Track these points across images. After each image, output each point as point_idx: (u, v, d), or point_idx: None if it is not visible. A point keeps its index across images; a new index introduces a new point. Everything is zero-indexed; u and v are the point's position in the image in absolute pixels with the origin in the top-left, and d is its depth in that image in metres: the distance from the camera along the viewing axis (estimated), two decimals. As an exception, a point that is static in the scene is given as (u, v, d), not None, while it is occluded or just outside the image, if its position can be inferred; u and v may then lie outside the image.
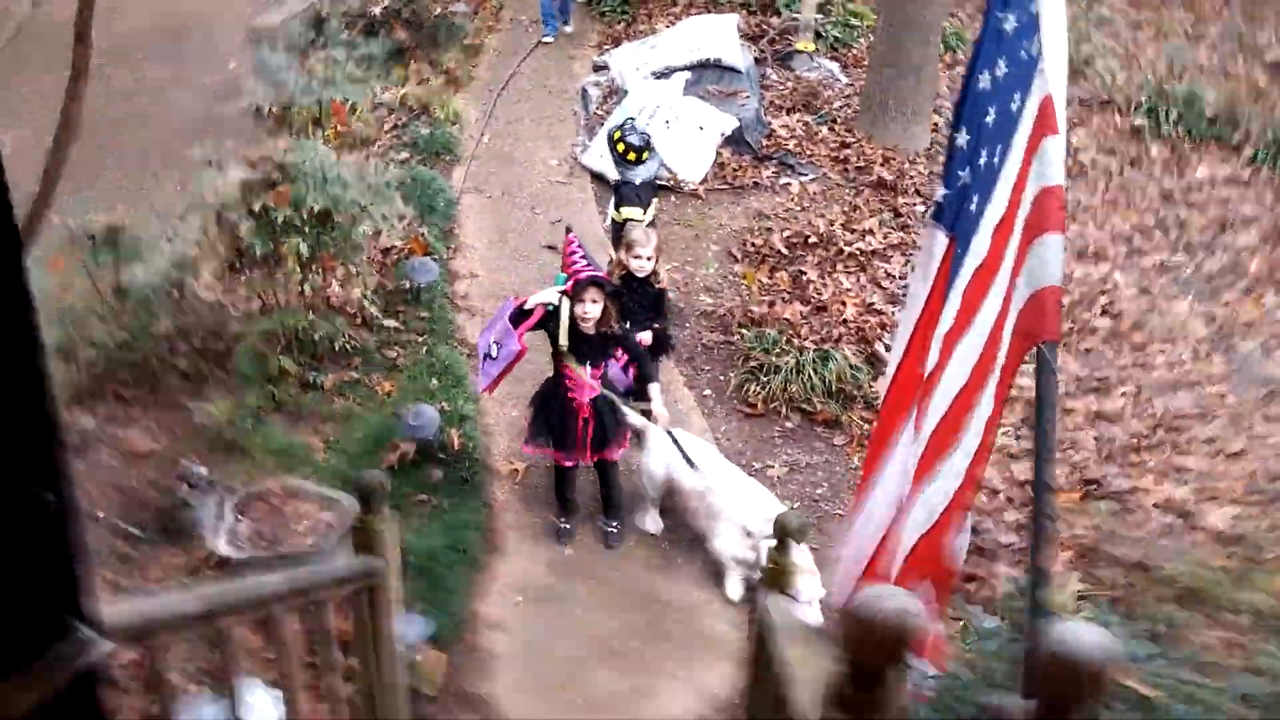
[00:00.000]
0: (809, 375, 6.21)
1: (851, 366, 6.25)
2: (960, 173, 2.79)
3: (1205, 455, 5.81)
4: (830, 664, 2.73)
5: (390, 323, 6.61)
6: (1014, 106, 2.46)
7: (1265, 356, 6.79)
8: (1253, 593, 4.54)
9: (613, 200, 6.89)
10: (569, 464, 5.15)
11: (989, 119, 2.63)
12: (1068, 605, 4.11)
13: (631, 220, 6.18)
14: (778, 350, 6.43)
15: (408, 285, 6.85)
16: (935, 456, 2.53)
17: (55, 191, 4.59)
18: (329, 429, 5.84)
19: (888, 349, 6.57)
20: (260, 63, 8.01)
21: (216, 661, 4.03)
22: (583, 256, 4.93)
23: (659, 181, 8.51)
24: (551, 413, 5.07)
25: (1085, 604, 4.31)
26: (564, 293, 4.87)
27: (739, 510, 4.87)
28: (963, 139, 2.79)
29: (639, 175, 6.63)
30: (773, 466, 5.82)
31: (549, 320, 4.92)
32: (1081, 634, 1.42)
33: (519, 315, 4.95)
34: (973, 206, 2.63)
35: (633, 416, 5.22)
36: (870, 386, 6.22)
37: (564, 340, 4.87)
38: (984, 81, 2.74)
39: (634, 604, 4.91)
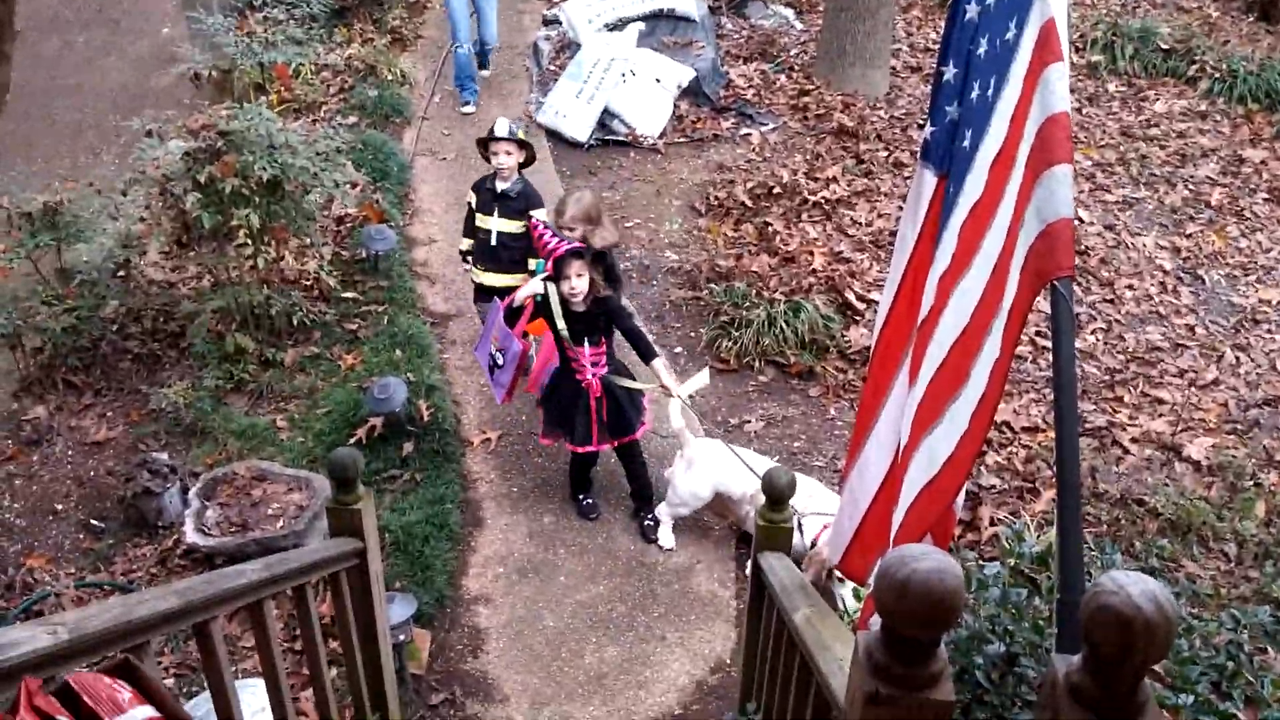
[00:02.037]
0: (781, 327, 6.11)
1: (823, 316, 6.16)
2: (948, 108, 2.68)
3: (1179, 387, 5.81)
4: (841, 622, 2.65)
5: (349, 294, 6.42)
6: (1009, 35, 2.34)
7: (1231, 286, 6.80)
8: (1236, 521, 4.56)
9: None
10: (586, 450, 4.90)
11: (980, 50, 2.51)
12: (1054, 542, 4.08)
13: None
14: (748, 304, 6.32)
15: (365, 254, 6.64)
16: (936, 405, 2.43)
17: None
18: (292, 407, 5.67)
19: (858, 297, 6.49)
20: (196, 26, 7.66)
21: (194, 655, 3.90)
22: (553, 235, 4.78)
23: (616, 138, 8.35)
24: (562, 399, 4.88)
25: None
26: (547, 278, 4.71)
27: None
28: (950, 73, 2.67)
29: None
30: (749, 421, 5.73)
31: (541, 311, 4.76)
32: (1132, 584, 1.31)
33: (511, 315, 4.80)
34: (965, 143, 2.52)
35: (684, 432, 4.91)
36: (843, 336, 6.15)
37: (561, 325, 4.70)
38: (971, 12, 2.62)
39: (619, 569, 4.82)
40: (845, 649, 2.03)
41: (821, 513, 4.42)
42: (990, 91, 2.39)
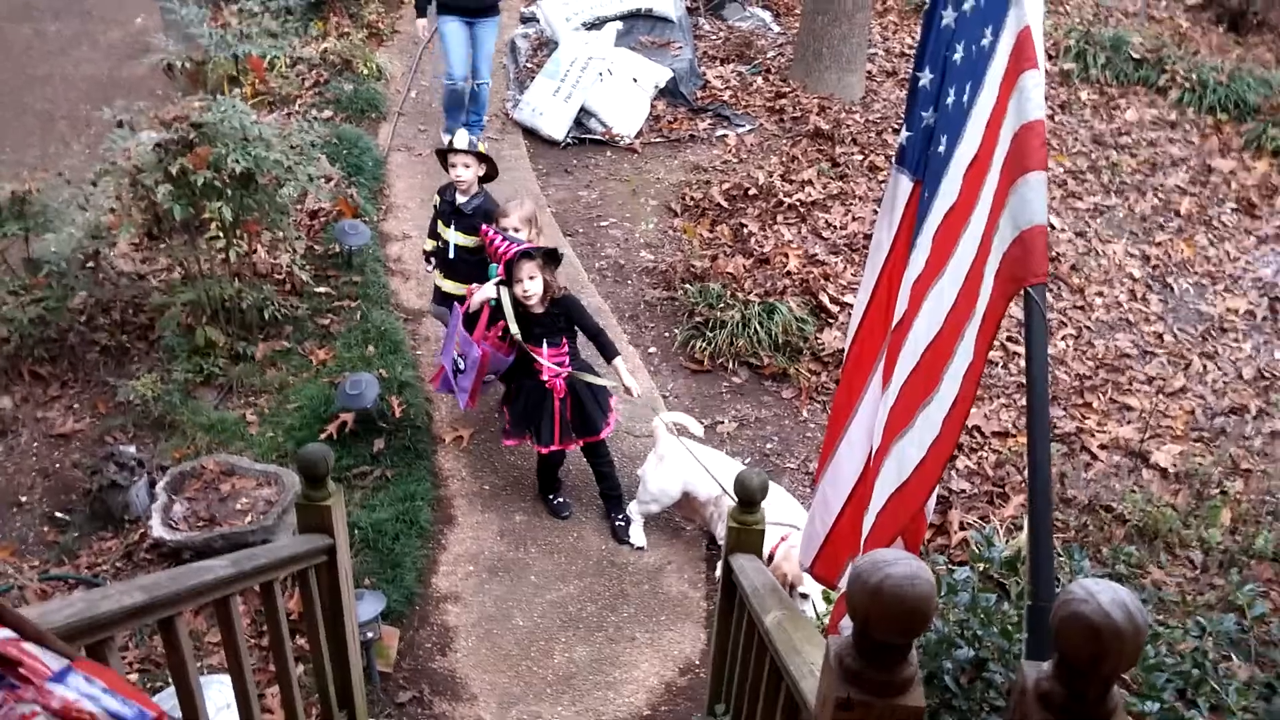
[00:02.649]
0: (755, 329, 6.13)
1: (797, 319, 6.18)
2: (923, 114, 2.69)
3: (1147, 394, 5.88)
4: (812, 624, 2.66)
5: (322, 289, 6.37)
6: (985, 42, 2.36)
7: (1199, 295, 6.89)
8: (1202, 529, 4.62)
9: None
10: (550, 450, 4.89)
11: (956, 56, 2.53)
12: (1021, 548, 4.11)
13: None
14: (722, 305, 6.33)
15: (338, 249, 6.60)
16: (908, 409, 2.44)
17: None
18: (263, 401, 5.62)
19: (832, 300, 6.52)
20: (169, 17, 7.58)
21: (160, 650, 3.86)
22: (504, 239, 4.77)
23: (592, 136, 8.34)
24: (527, 400, 4.87)
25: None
26: (500, 282, 4.70)
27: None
28: (926, 79, 2.69)
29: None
30: (722, 422, 5.74)
31: (499, 315, 4.75)
32: (1102, 591, 1.32)
33: (469, 321, 4.79)
34: (940, 148, 2.53)
35: (658, 428, 4.94)
36: (817, 338, 6.17)
37: (514, 328, 4.69)
38: (948, 18, 2.64)
39: (590, 569, 4.81)
40: (816, 652, 2.04)
41: (780, 523, 4.31)
42: (966, 97, 2.41)
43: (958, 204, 2.37)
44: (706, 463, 4.63)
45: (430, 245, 5.66)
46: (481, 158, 5.43)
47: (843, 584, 2.90)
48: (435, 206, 5.61)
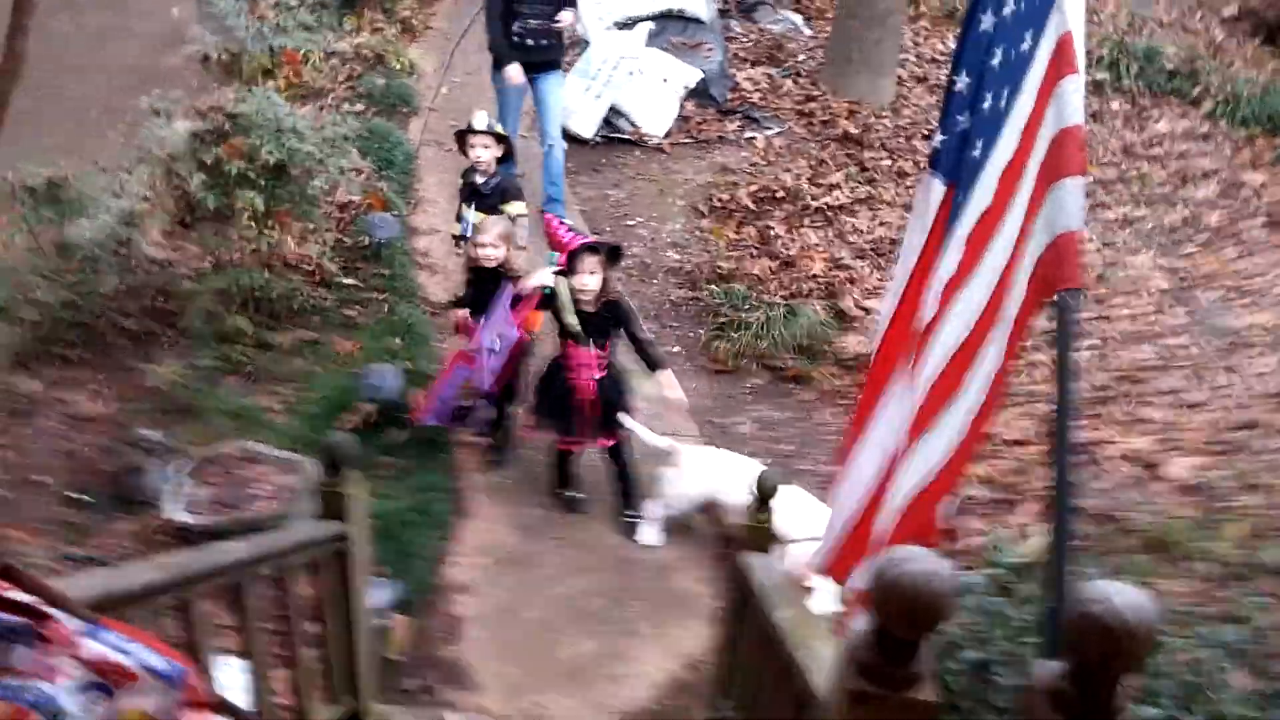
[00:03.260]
0: (778, 331, 6.14)
1: (820, 322, 6.19)
2: (959, 117, 2.69)
3: (1167, 406, 5.84)
4: (821, 622, 2.68)
5: (349, 280, 6.43)
6: (1025, 46, 2.36)
7: (1225, 308, 6.83)
8: (1216, 542, 4.58)
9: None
10: (571, 449, 4.91)
11: (995, 61, 2.53)
12: (1038, 557, 4.10)
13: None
14: (746, 306, 6.36)
15: (367, 241, 6.67)
16: (933, 410, 2.45)
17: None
18: (287, 390, 5.68)
19: (856, 305, 6.52)
20: (206, 8, 7.69)
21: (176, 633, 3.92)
22: (569, 230, 4.79)
23: (621, 135, 8.37)
24: (554, 395, 4.87)
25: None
26: (559, 272, 4.68)
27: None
28: (962, 83, 2.69)
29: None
30: (742, 423, 5.76)
31: (548, 304, 4.74)
32: (1116, 594, 1.34)
33: (514, 300, 4.79)
34: (975, 152, 2.54)
35: (652, 438, 4.96)
36: (839, 342, 6.18)
37: (572, 319, 4.64)
38: (986, 23, 2.64)
39: (601, 564, 4.84)
40: (826, 646, 2.06)
41: (818, 538, 4.27)
42: (1003, 102, 2.42)
43: (991, 208, 2.38)
44: (729, 468, 4.60)
45: (457, 229, 5.76)
46: (500, 138, 5.54)
47: (852, 582, 2.91)
48: (460, 190, 5.73)
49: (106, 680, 1.43)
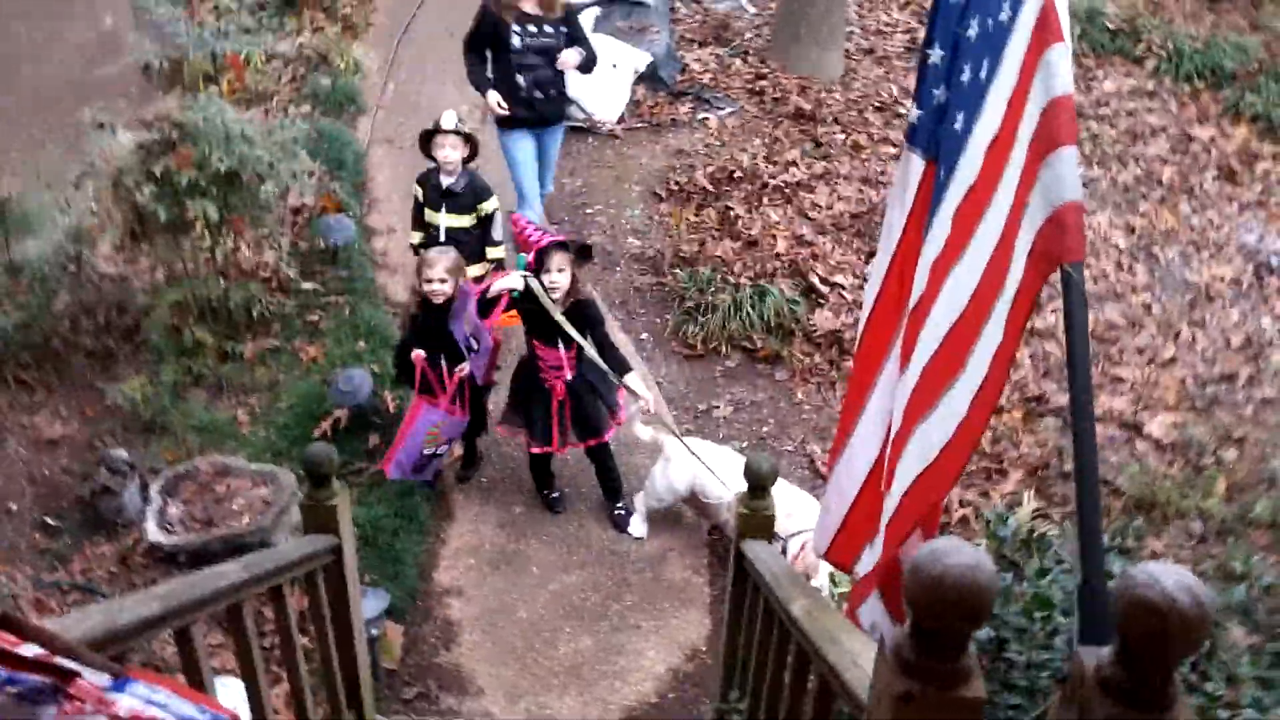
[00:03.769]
0: (747, 312, 6.11)
1: (789, 300, 6.17)
2: (935, 90, 2.65)
3: (1138, 365, 5.91)
4: (839, 613, 2.65)
5: (309, 285, 6.30)
6: (1003, 16, 2.32)
7: (1185, 263, 6.92)
8: (1200, 499, 4.64)
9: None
10: (541, 450, 4.82)
11: (970, 32, 2.49)
12: (1024, 523, 4.12)
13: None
14: (713, 289, 6.32)
15: (323, 245, 6.53)
16: (931, 392, 2.41)
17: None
18: (254, 400, 5.57)
19: (822, 280, 6.51)
20: (144, 16, 7.46)
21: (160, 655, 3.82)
22: (535, 228, 4.69)
23: (574, 123, 8.28)
24: (525, 395, 4.79)
25: (1042, 521, 4.33)
26: (529, 273, 4.54)
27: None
28: (936, 55, 2.65)
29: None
30: (718, 407, 5.73)
31: (518, 304, 4.61)
32: (1166, 575, 1.31)
33: (484, 306, 4.65)
34: (956, 125, 2.49)
35: (644, 432, 4.93)
36: (809, 319, 6.16)
37: (558, 315, 4.44)
38: None
39: (591, 558, 4.80)
40: (854, 641, 2.03)
41: (805, 530, 4.19)
42: (984, 73, 2.38)
43: (978, 182, 2.34)
44: (714, 459, 4.56)
45: (417, 237, 5.59)
46: (468, 138, 5.38)
47: (859, 569, 2.89)
48: (416, 198, 5.54)
49: None
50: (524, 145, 6.18)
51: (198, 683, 2.34)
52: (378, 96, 8.42)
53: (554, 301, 4.49)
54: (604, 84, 8.36)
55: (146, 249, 5.77)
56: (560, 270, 4.49)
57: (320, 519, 3.21)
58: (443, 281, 4.65)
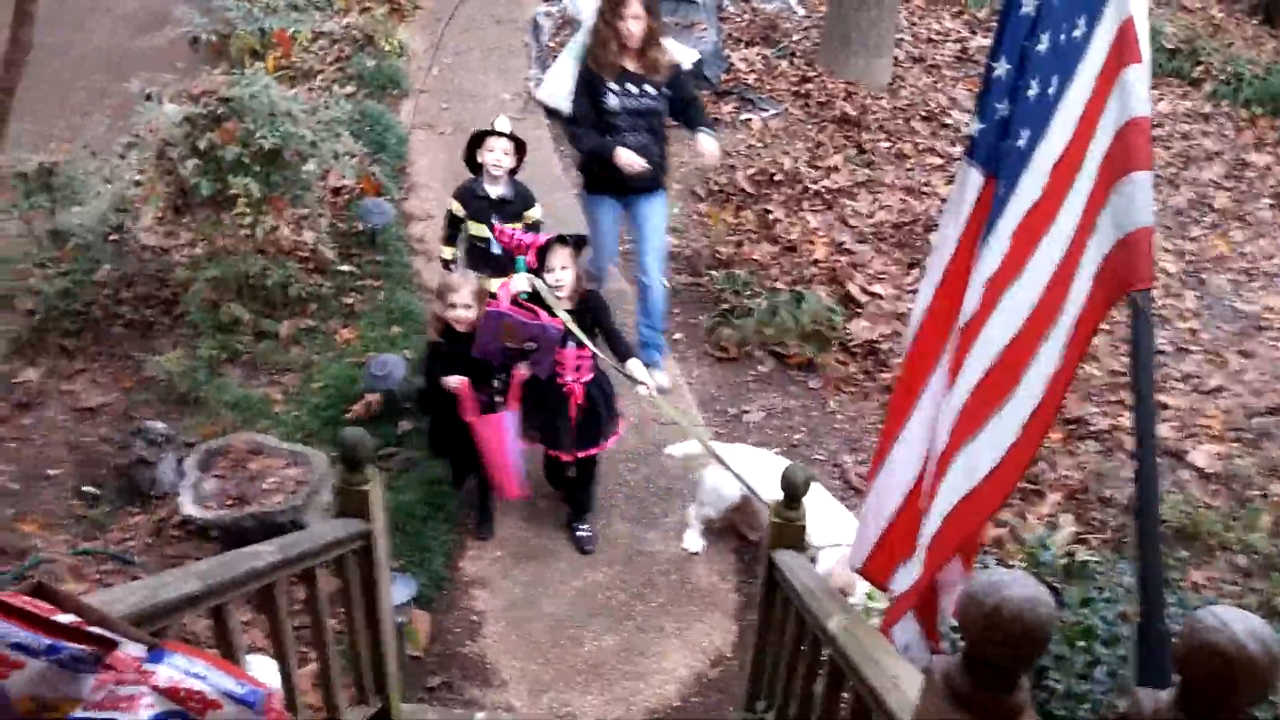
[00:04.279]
0: (783, 317, 6.05)
1: (826, 308, 6.10)
2: (998, 105, 2.59)
3: (1183, 393, 5.81)
4: (876, 631, 2.60)
5: (346, 267, 6.30)
6: (1077, 33, 2.26)
7: (1235, 292, 6.80)
8: (1245, 532, 4.55)
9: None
10: (563, 457, 4.64)
11: (1040, 47, 2.43)
12: (1063, 548, 4.04)
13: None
14: (749, 292, 6.27)
15: (361, 227, 6.53)
16: (980, 412, 2.35)
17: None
18: (287, 380, 5.57)
19: (861, 290, 6.45)
20: (193, -12, 7.51)
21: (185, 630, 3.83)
22: (518, 233, 4.57)
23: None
24: (542, 401, 4.60)
25: (1080, 547, 4.26)
26: (532, 273, 4.42)
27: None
28: (1001, 69, 2.59)
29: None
30: (749, 411, 5.68)
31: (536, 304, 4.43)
32: (1234, 620, 1.27)
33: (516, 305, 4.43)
34: (1020, 142, 2.44)
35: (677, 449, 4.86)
36: (845, 328, 6.10)
37: (563, 314, 4.34)
38: (1028, 6, 2.54)
39: (617, 557, 4.76)
40: (895, 664, 1.98)
41: (841, 544, 4.11)
42: (1052, 90, 2.31)
43: (1041, 202, 2.28)
44: (754, 463, 4.48)
45: (449, 253, 5.19)
46: (520, 146, 5.03)
47: (894, 586, 2.84)
48: (450, 212, 5.13)
49: (186, 709, 1.35)
50: (606, 212, 5.51)
51: (230, 659, 2.34)
52: (421, 80, 8.43)
53: (564, 298, 4.42)
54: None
55: (187, 222, 5.80)
56: (564, 267, 4.41)
57: (353, 503, 3.19)
58: (467, 308, 4.44)
